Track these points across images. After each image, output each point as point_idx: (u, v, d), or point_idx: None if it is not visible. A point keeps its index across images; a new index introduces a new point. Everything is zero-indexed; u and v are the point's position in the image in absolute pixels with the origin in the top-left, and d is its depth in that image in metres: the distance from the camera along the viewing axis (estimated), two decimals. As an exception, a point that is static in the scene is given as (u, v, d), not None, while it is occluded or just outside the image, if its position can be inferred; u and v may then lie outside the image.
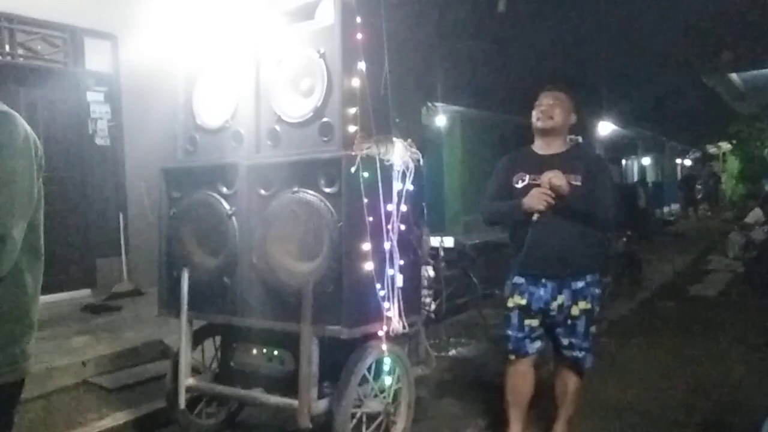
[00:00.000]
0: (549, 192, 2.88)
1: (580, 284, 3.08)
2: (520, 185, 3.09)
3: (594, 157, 3.21)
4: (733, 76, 11.58)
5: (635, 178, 23.44)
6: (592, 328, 3.18)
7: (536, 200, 2.91)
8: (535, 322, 3.14)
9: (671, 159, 29.06)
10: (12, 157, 1.57)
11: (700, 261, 10.71)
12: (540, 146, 3.20)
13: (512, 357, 3.22)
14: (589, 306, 3.11)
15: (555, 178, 2.87)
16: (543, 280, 3.09)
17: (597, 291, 3.18)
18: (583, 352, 3.15)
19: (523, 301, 3.14)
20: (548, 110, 3.11)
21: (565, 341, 3.15)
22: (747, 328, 5.92)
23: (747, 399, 4.06)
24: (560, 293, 3.09)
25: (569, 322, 3.11)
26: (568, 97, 3.17)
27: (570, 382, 3.26)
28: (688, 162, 30.47)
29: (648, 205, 14.26)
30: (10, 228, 1.55)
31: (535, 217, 2.94)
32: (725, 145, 24.37)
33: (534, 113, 3.17)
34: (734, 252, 10.27)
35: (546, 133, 3.15)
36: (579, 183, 2.98)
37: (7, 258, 1.56)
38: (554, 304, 3.09)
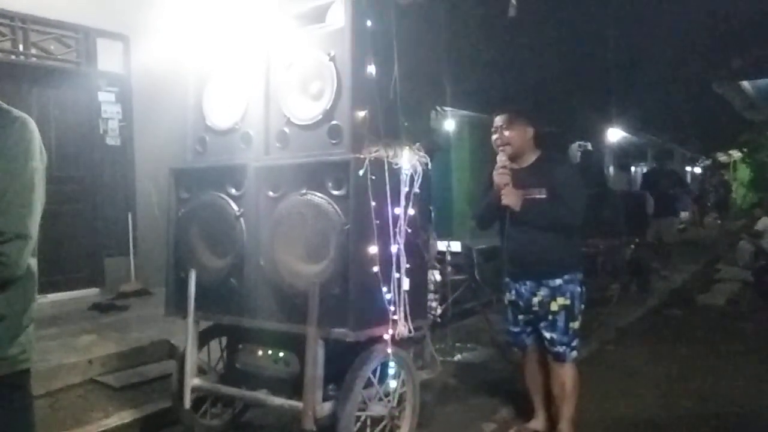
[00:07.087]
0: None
1: (558, 281, 3.29)
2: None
3: (561, 168, 3.36)
4: (745, 83, 11.47)
5: (644, 186, 23.24)
6: (574, 324, 3.32)
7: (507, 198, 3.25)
8: (527, 318, 3.41)
9: (681, 167, 28.87)
10: (32, 161, 1.66)
11: (709, 269, 10.63)
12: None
13: (516, 350, 3.56)
14: (567, 302, 3.29)
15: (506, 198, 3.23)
16: (522, 280, 3.38)
17: (577, 289, 3.31)
18: (563, 347, 3.32)
19: (513, 297, 3.44)
20: (501, 136, 3.36)
21: (547, 336, 3.33)
22: (756, 338, 5.88)
23: (755, 409, 4.03)
24: (539, 290, 3.32)
25: (550, 317, 3.31)
26: (516, 115, 3.37)
27: (560, 376, 3.38)
28: (698, 170, 30.28)
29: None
30: (31, 228, 1.65)
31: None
32: (736, 154, 24.18)
33: (492, 138, 3.43)
34: (744, 261, 10.18)
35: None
36: (544, 195, 3.23)
37: (27, 257, 1.66)
38: (535, 300, 3.34)
